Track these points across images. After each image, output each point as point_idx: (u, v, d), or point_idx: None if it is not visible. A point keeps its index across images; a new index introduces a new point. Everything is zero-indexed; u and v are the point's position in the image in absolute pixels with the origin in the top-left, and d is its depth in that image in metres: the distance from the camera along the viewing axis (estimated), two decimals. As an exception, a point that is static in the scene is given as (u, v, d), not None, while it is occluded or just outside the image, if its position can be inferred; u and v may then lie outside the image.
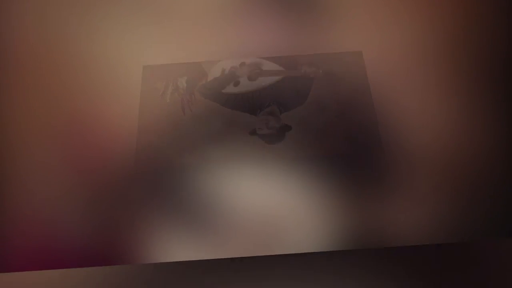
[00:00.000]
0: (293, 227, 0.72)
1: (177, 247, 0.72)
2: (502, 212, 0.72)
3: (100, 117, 0.69)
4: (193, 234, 0.72)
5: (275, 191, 0.71)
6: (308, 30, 0.69)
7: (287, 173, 0.71)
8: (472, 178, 0.72)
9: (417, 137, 0.71)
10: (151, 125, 0.70)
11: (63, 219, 0.70)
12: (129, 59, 0.69)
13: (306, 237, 0.72)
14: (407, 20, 0.71)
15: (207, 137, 0.69)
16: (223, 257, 0.72)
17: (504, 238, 0.72)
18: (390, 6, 0.72)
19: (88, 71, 0.69)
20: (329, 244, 0.72)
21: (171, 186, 0.71)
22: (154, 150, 0.70)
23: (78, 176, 0.70)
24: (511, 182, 0.71)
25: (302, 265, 0.71)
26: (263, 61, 0.72)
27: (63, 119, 0.69)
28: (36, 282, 0.70)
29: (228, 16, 0.70)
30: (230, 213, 0.71)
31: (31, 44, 0.68)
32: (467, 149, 0.71)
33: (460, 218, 0.72)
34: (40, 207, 0.70)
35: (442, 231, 0.72)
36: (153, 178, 0.70)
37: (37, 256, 0.70)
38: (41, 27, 0.67)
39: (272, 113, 0.70)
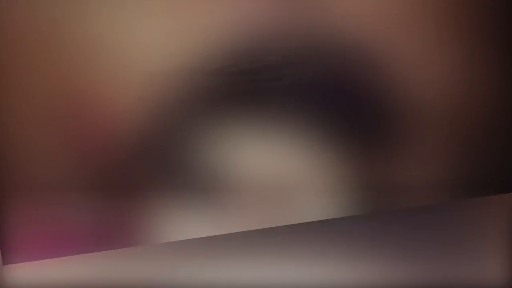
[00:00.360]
0: (301, 195, 0.71)
1: (187, 225, 0.70)
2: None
3: (99, 96, 0.68)
4: (202, 209, 0.70)
5: (280, 158, 0.70)
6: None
7: (291, 135, 0.70)
8: (481, 129, 0.71)
9: (422, 92, 0.70)
10: (152, 100, 0.68)
11: (68, 204, 0.69)
12: (123, 34, 0.67)
13: (315, 204, 0.71)
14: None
15: (209, 94, 0.68)
16: (234, 231, 0.71)
17: None
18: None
19: (82, 51, 0.67)
20: (339, 210, 0.71)
21: (176, 161, 0.70)
22: (156, 124, 0.69)
23: (80, 157, 0.69)
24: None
25: (312, 234, 0.70)
26: None
27: (61, 101, 0.68)
28: (49, 271, 0.69)
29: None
30: (237, 185, 0.70)
31: (22, 27, 0.66)
32: (473, 100, 0.70)
33: (471, 172, 0.71)
34: (43, 193, 0.69)
35: (453, 187, 0.71)
36: (157, 154, 0.69)
37: (47, 244, 0.69)
38: (29, 10, 0.65)
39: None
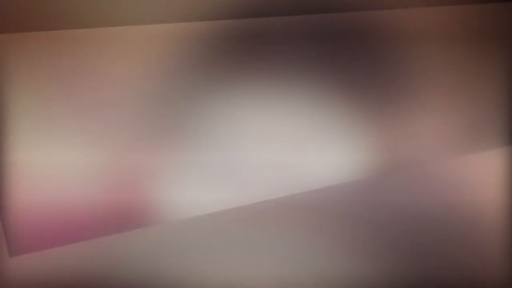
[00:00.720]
0: (310, 163, 0.70)
1: (199, 200, 0.69)
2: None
3: (103, 63, 0.67)
4: (213, 184, 0.69)
5: (287, 123, 0.70)
6: None
7: (296, 97, 0.69)
8: (484, 84, 0.71)
9: (427, 47, 0.70)
10: (157, 67, 0.68)
11: (74, 187, 0.68)
12: (122, 10, 0.66)
13: (326, 170, 0.70)
14: None
15: (208, 60, 0.67)
16: (244, 204, 0.70)
17: None
18: None
19: (84, 22, 0.66)
20: (350, 174, 0.71)
21: (184, 135, 0.69)
22: (162, 94, 0.68)
23: (84, 139, 0.68)
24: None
25: (324, 200, 0.70)
26: None
27: (58, 72, 0.66)
28: (57, 259, 0.67)
29: None
30: (243, 153, 0.69)
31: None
32: (477, 56, 0.71)
33: (479, 126, 0.71)
34: (48, 178, 0.67)
35: (458, 142, 0.71)
36: (164, 126, 0.68)
37: (54, 232, 0.68)
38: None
39: None
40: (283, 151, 0.69)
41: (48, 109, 0.67)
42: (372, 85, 0.70)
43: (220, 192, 0.69)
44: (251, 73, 0.68)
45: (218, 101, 0.68)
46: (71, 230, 0.68)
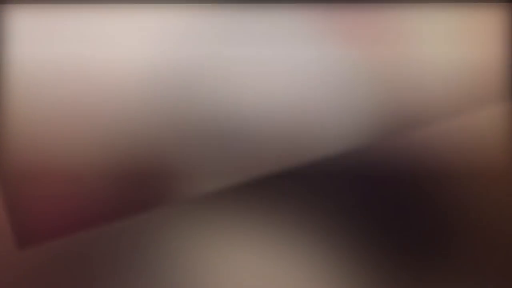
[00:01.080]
0: (314, 130, 0.68)
1: (205, 177, 0.68)
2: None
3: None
4: (218, 159, 0.68)
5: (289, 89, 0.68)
6: None
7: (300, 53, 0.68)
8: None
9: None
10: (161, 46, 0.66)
11: (81, 168, 0.67)
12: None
13: (336, 136, 0.68)
14: None
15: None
16: (256, 176, 0.68)
17: None
18: None
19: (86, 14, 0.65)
20: (355, 140, 0.69)
21: (186, 115, 0.68)
22: (170, 70, 0.67)
23: (89, 118, 0.67)
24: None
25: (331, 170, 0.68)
26: None
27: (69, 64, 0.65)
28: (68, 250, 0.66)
29: None
30: (250, 125, 0.68)
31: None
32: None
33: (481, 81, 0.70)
34: (55, 165, 0.66)
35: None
36: (167, 110, 0.67)
37: (64, 221, 0.67)
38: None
39: None
40: (293, 117, 0.68)
41: (54, 95, 0.66)
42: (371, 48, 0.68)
43: (236, 163, 0.68)
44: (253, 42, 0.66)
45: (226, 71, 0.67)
46: (85, 216, 0.67)
